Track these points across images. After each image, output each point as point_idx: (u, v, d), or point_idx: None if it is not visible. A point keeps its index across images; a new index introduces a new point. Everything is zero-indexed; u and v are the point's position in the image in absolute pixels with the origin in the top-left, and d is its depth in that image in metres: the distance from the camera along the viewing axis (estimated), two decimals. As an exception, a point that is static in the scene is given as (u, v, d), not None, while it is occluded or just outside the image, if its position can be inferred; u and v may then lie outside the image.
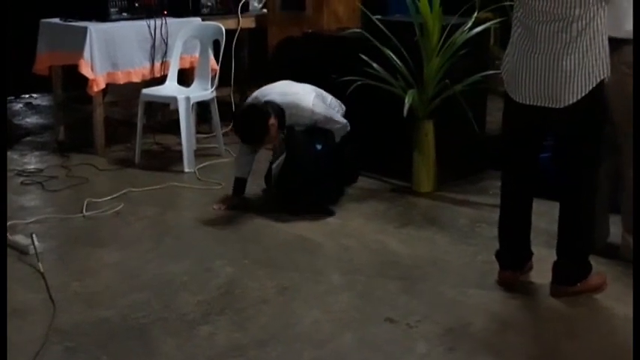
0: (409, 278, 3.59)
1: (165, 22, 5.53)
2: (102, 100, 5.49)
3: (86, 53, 5.18)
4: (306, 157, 4.34)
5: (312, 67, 5.14)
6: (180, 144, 5.21)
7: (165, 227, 4.25)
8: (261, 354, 2.95)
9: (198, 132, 5.71)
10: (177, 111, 5.19)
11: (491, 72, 4.91)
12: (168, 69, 5.54)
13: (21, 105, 7.09)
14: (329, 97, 4.56)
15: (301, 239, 4.05)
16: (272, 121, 4.22)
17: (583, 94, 3.12)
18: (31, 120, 6.61)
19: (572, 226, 3.34)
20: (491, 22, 4.85)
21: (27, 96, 7.28)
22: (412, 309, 3.29)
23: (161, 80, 5.53)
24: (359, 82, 4.59)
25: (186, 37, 5.56)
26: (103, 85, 5.32)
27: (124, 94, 5.94)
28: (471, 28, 4.63)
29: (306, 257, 3.84)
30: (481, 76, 4.71)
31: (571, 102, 3.13)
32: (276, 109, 4.29)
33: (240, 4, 6.16)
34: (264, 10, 6.35)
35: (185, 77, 5.74)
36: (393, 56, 4.65)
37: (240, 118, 4.44)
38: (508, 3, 4.90)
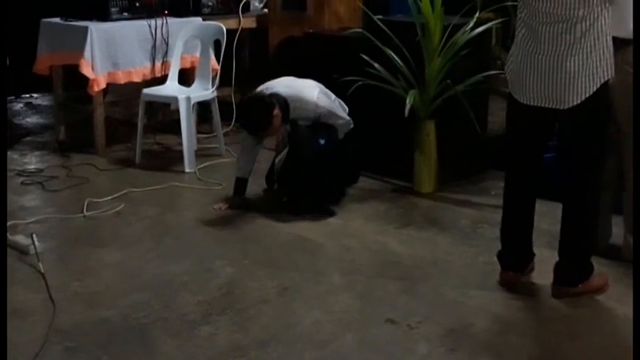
0: (410, 279, 3.58)
1: (166, 22, 5.53)
2: (102, 100, 5.49)
3: (87, 53, 5.18)
4: (309, 151, 4.33)
5: (313, 67, 5.13)
6: (180, 144, 5.21)
7: (165, 227, 4.24)
8: (261, 354, 2.94)
9: (198, 132, 5.70)
10: (177, 111, 5.19)
11: (492, 72, 4.91)
12: (168, 69, 5.54)
13: (21, 105, 7.08)
14: (332, 96, 4.55)
15: (302, 239, 4.04)
16: (276, 111, 4.22)
17: (587, 95, 3.11)
18: (32, 120, 6.60)
19: (576, 227, 3.33)
20: (493, 23, 4.84)
21: (27, 96, 7.27)
22: (413, 310, 3.28)
23: (162, 80, 5.53)
24: (360, 83, 4.58)
25: (187, 36, 5.56)
26: (103, 85, 5.32)
27: (124, 93, 5.94)
28: (472, 29, 4.62)
29: (307, 257, 3.83)
30: (483, 77, 4.70)
31: (575, 103, 3.12)
32: (281, 101, 4.29)
33: (241, 4, 6.16)
34: (265, 10, 6.35)
35: (186, 77, 5.74)
36: (395, 56, 4.64)
37: (244, 106, 4.45)
38: (510, 3, 4.91)
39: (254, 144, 4.49)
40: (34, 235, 3.81)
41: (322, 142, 4.36)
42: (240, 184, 4.50)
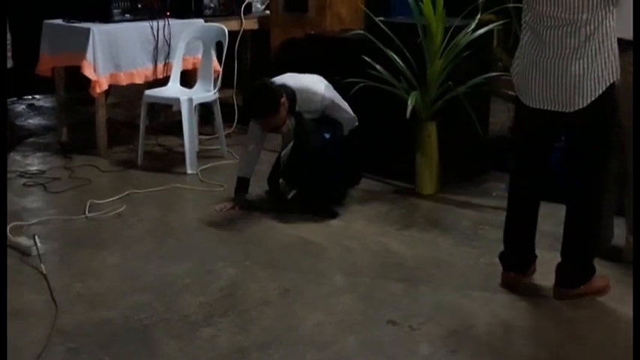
0: (412, 280, 3.59)
1: (168, 24, 5.54)
2: (104, 102, 5.49)
3: (89, 54, 5.18)
4: (314, 145, 4.33)
5: (315, 68, 5.11)
6: (182, 145, 5.21)
7: (167, 229, 4.24)
8: (263, 356, 2.94)
9: (200, 133, 5.70)
10: (179, 112, 5.19)
11: (494, 74, 4.91)
12: (170, 70, 5.54)
13: (23, 106, 7.09)
14: (337, 94, 4.56)
15: (303, 241, 4.04)
16: (283, 100, 4.25)
17: (593, 98, 3.11)
18: (34, 121, 6.61)
19: (579, 229, 3.33)
20: (495, 24, 4.84)
21: (30, 97, 7.28)
22: (415, 311, 3.28)
23: (164, 81, 5.53)
24: (362, 84, 4.58)
25: (188, 38, 5.56)
26: (105, 87, 5.32)
27: (126, 95, 5.94)
28: (474, 30, 4.63)
29: (309, 259, 3.83)
30: (484, 78, 4.70)
31: (581, 106, 3.12)
32: (289, 91, 4.32)
33: (243, 6, 6.17)
34: (267, 12, 6.34)
35: (188, 78, 5.74)
36: (396, 58, 4.65)
37: (252, 92, 4.45)
38: (511, 5, 4.90)
39: (259, 139, 4.48)
40: (36, 237, 3.81)
41: (327, 136, 4.37)
42: (242, 183, 4.50)
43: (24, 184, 4.91)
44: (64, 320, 3.18)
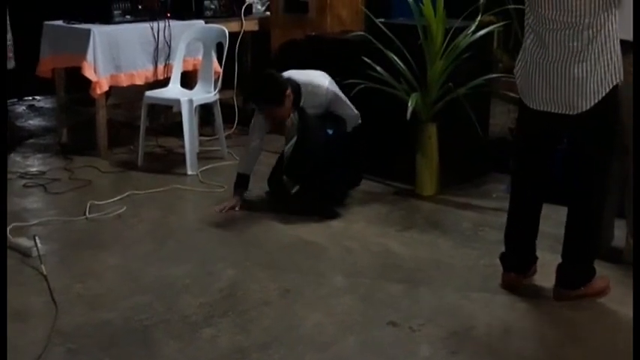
0: (412, 281, 3.59)
1: (169, 25, 5.54)
2: (105, 103, 5.49)
3: (89, 55, 5.19)
4: (317, 140, 4.33)
5: (316, 70, 5.13)
6: (182, 146, 5.21)
7: (167, 230, 4.24)
8: (263, 356, 2.94)
9: (200, 134, 5.70)
10: (180, 113, 5.19)
11: (494, 75, 4.91)
12: (171, 71, 5.54)
13: (24, 107, 7.09)
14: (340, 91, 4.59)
15: (303, 242, 4.04)
16: (289, 92, 4.27)
17: (596, 101, 3.11)
18: (34, 122, 6.61)
19: (581, 230, 3.33)
20: (495, 26, 4.85)
21: (30, 98, 7.28)
22: (415, 312, 3.28)
23: (164, 83, 5.54)
24: (362, 85, 4.58)
25: (189, 39, 5.57)
26: (106, 88, 5.32)
27: (127, 96, 5.95)
28: (474, 32, 4.63)
29: (309, 260, 3.83)
30: (484, 80, 4.70)
31: (584, 109, 3.12)
32: (294, 85, 4.34)
33: (244, 7, 6.17)
34: (267, 13, 6.35)
35: (188, 80, 5.74)
36: (397, 59, 4.65)
37: (258, 81, 4.48)
38: (512, 7, 4.91)
39: (262, 134, 4.48)
40: (36, 238, 3.81)
41: (330, 132, 4.37)
42: (242, 179, 4.49)
43: (24, 185, 4.91)
44: (64, 321, 3.18)
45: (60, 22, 5.54)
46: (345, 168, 4.47)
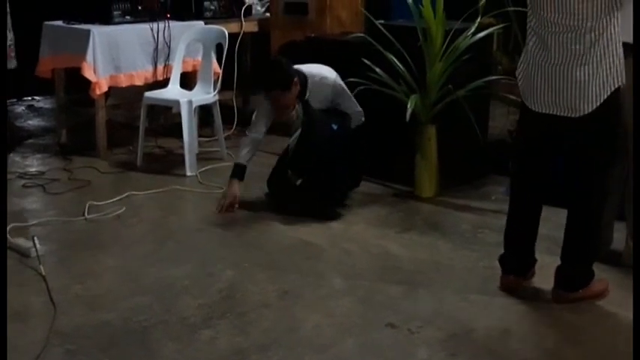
0: (411, 283, 3.59)
1: (168, 26, 5.54)
2: (104, 103, 5.49)
3: (89, 56, 5.18)
4: (322, 134, 4.33)
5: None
6: (182, 147, 5.21)
7: (166, 230, 4.24)
8: (262, 358, 2.94)
9: (200, 135, 5.70)
10: (179, 114, 5.19)
11: (494, 77, 4.91)
12: (170, 72, 5.55)
13: (23, 107, 7.09)
14: None
15: (303, 243, 4.04)
16: (296, 80, 4.28)
17: (598, 104, 3.11)
18: (33, 122, 6.61)
19: (580, 232, 3.33)
20: (495, 28, 4.85)
21: (29, 98, 7.28)
22: (414, 314, 3.28)
23: (164, 83, 5.54)
24: (362, 87, 4.59)
25: (189, 40, 5.57)
26: (105, 88, 5.33)
27: (126, 97, 5.95)
28: (474, 34, 4.63)
29: (308, 261, 3.83)
30: (484, 82, 4.71)
31: (586, 112, 3.12)
32: (302, 76, 4.35)
33: (243, 8, 6.17)
34: (267, 14, 6.35)
35: (188, 81, 5.75)
36: (396, 61, 4.65)
37: (267, 65, 4.49)
38: (511, 9, 4.91)
39: (264, 126, 4.47)
40: (35, 238, 3.81)
41: (335, 127, 4.37)
42: (239, 169, 4.46)
43: (23, 186, 4.91)
44: (63, 322, 3.18)
45: (60, 23, 5.54)
46: (348, 165, 4.47)
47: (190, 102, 5.21)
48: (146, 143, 5.45)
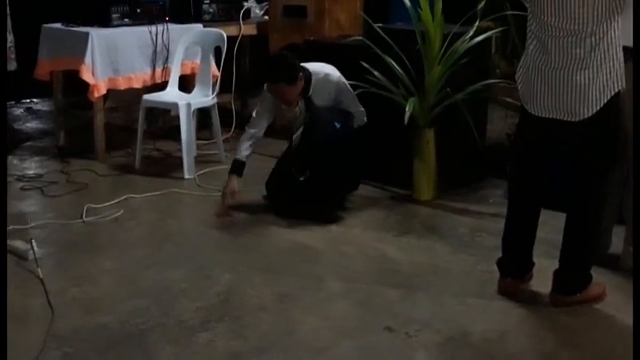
0: (409, 287, 3.58)
1: (167, 29, 5.54)
2: (103, 106, 5.49)
3: (87, 59, 5.19)
4: (325, 132, 4.32)
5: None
6: (180, 150, 5.21)
7: (164, 234, 4.24)
8: (260, 361, 2.94)
9: (198, 138, 5.71)
10: (177, 117, 5.19)
11: (492, 81, 4.92)
12: (169, 75, 5.55)
13: (21, 110, 7.09)
14: None
15: (300, 246, 4.04)
16: (301, 76, 4.29)
17: (598, 108, 3.11)
18: (32, 125, 6.61)
19: (579, 235, 3.33)
20: (493, 32, 4.86)
21: (27, 101, 7.28)
22: (411, 318, 3.28)
23: (162, 86, 5.54)
24: (360, 90, 4.58)
25: (187, 43, 5.57)
26: (104, 91, 5.33)
27: (124, 99, 5.94)
28: (472, 37, 4.63)
29: (306, 264, 3.83)
30: (482, 85, 4.71)
31: (586, 116, 3.12)
32: (306, 73, 4.36)
33: (242, 11, 6.17)
34: (266, 17, 6.36)
35: (186, 83, 5.75)
36: (395, 64, 4.65)
37: (273, 58, 4.55)
38: (510, 12, 4.92)
39: (265, 121, 4.48)
40: (32, 241, 3.81)
41: (338, 125, 4.37)
42: (238, 164, 4.47)
43: (21, 188, 4.90)
44: (60, 325, 3.17)
45: (58, 25, 5.54)
46: (350, 164, 4.46)
47: (189, 105, 5.21)
48: (144, 146, 5.45)
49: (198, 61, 5.68)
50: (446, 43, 4.58)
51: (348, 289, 3.56)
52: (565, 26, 3.08)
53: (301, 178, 4.48)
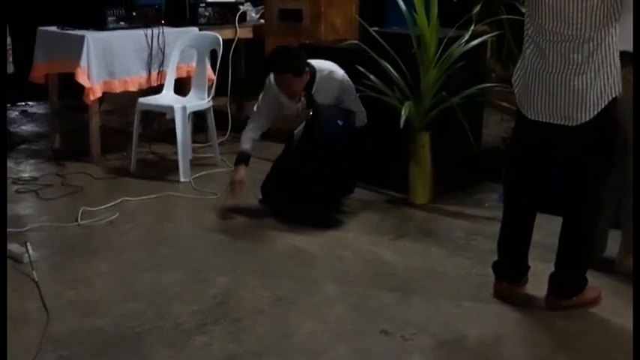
0: (404, 290, 3.59)
1: (163, 32, 5.55)
2: (98, 109, 5.49)
3: (83, 62, 5.18)
4: (327, 130, 4.32)
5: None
6: (175, 153, 5.20)
7: (160, 237, 4.23)
8: (255, 365, 2.94)
9: (194, 141, 5.71)
10: (173, 120, 5.19)
11: (487, 85, 4.93)
12: (164, 78, 5.54)
13: (17, 113, 7.08)
14: None
15: (296, 250, 4.04)
16: (307, 70, 4.31)
17: (595, 113, 3.11)
18: (27, 128, 6.60)
19: (575, 240, 3.33)
20: (488, 36, 4.87)
21: (23, 104, 7.28)
22: (407, 321, 3.28)
23: (158, 89, 5.54)
24: (356, 94, 4.59)
25: (183, 46, 5.57)
26: (99, 94, 5.32)
27: (120, 102, 5.95)
28: (467, 41, 4.64)
29: (301, 268, 3.83)
30: (478, 89, 4.72)
31: (583, 120, 3.12)
32: (312, 69, 4.38)
33: (238, 15, 6.18)
34: (262, 21, 6.36)
35: (182, 87, 5.75)
36: (390, 68, 4.66)
37: (281, 49, 4.53)
38: (505, 17, 4.93)
39: (266, 117, 4.50)
40: (28, 244, 3.80)
41: (340, 123, 4.37)
42: (244, 156, 4.49)
43: (16, 191, 4.90)
44: (56, 328, 3.17)
45: (54, 28, 5.54)
46: (351, 163, 4.46)
47: (184, 108, 5.21)
48: (140, 149, 5.45)
49: (193, 64, 5.69)
50: (441, 47, 4.59)
51: (344, 293, 3.56)
52: (563, 31, 3.08)
53: (303, 174, 4.46)
